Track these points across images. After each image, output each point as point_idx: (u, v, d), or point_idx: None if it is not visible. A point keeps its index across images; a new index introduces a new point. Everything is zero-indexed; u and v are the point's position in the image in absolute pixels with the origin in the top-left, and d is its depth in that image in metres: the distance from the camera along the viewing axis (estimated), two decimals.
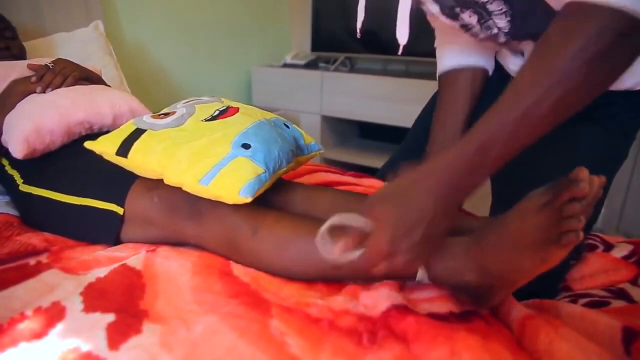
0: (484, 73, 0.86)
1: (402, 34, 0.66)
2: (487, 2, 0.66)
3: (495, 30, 0.70)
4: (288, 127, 0.86)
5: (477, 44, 0.83)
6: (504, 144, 0.50)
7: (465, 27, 0.73)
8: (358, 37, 0.76)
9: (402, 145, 1.09)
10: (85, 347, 0.50)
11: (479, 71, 0.85)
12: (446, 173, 0.52)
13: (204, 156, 0.69)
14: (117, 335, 0.52)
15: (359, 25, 0.74)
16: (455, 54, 0.86)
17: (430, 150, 0.87)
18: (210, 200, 0.69)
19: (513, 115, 0.49)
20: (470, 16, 0.70)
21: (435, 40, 0.91)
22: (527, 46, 0.75)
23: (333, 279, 0.66)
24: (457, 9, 0.70)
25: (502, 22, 0.68)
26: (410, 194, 0.52)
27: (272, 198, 0.82)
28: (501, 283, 0.57)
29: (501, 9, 0.66)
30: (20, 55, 1.18)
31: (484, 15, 0.68)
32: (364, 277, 0.63)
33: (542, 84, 0.49)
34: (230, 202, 0.65)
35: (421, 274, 0.60)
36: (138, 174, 0.74)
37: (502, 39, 0.72)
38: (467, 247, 0.59)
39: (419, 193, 0.52)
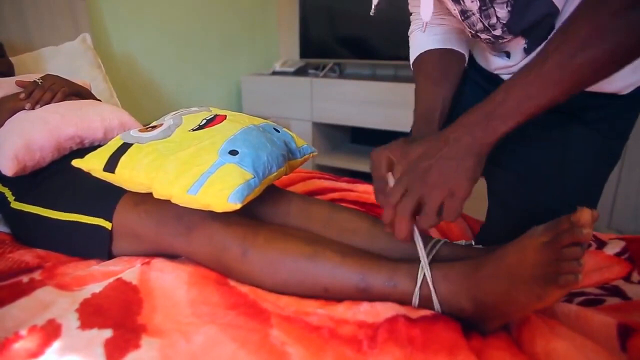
0: (461, 57, 0.86)
1: (426, 13, 0.68)
2: None
3: (493, 20, 0.70)
4: (278, 132, 0.85)
5: (454, 33, 0.84)
6: (517, 101, 0.55)
7: (464, 14, 0.74)
8: (372, 14, 0.76)
9: None
10: None
11: (456, 53, 0.85)
12: (465, 125, 0.58)
13: (192, 165, 0.67)
14: (115, 351, 0.51)
15: (374, 2, 0.76)
16: (433, 38, 0.85)
17: (414, 129, 0.82)
18: (199, 215, 0.68)
19: (530, 73, 0.54)
20: (472, 1, 0.70)
21: (411, 27, 0.91)
22: (514, 46, 0.75)
23: (324, 298, 0.64)
24: None
25: (502, 12, 0.69)
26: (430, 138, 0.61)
27: (266, 210, 0.81)
28: (494, 314, 0.56)
29: None
30: (8, 72, 1.17)
31: (486, 2, 0.68)
32: (356, 298, 0.62)
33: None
34: (220, 210, 0.64)
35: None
36: (127, 188, 0.72)
37: (498, 31, 0.72)
38: (465, 272, 0.59)
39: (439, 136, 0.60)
